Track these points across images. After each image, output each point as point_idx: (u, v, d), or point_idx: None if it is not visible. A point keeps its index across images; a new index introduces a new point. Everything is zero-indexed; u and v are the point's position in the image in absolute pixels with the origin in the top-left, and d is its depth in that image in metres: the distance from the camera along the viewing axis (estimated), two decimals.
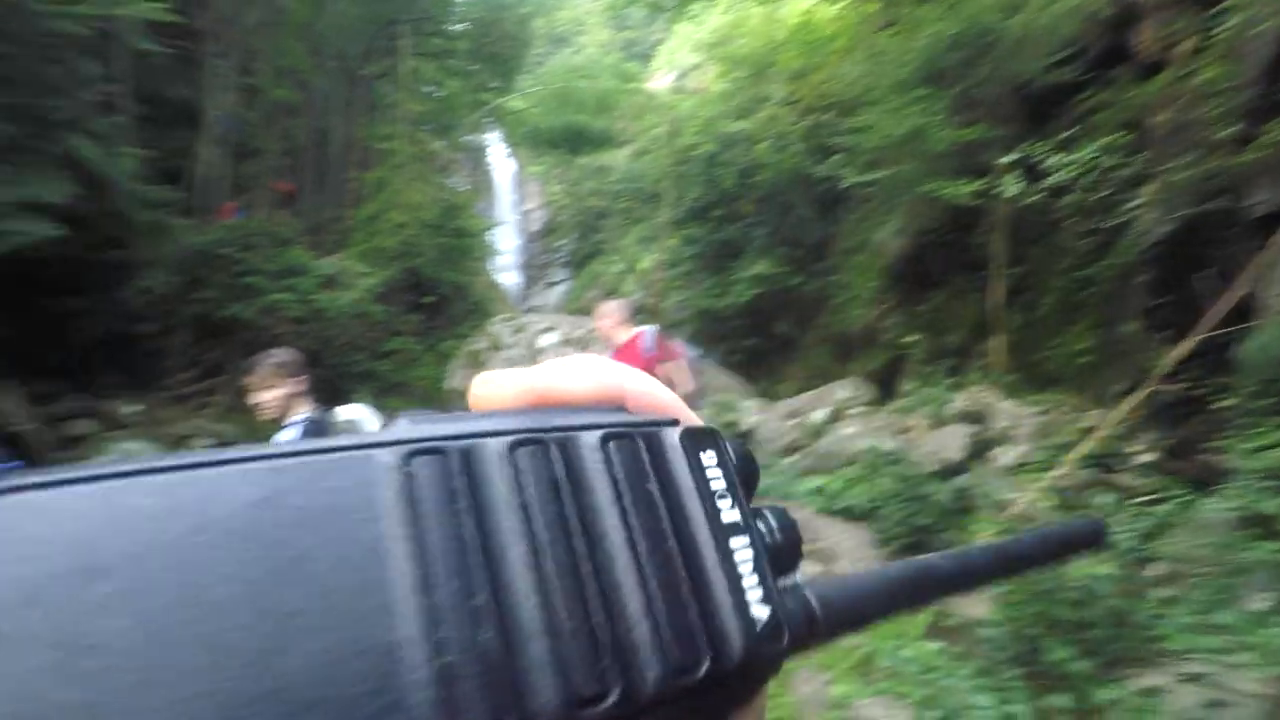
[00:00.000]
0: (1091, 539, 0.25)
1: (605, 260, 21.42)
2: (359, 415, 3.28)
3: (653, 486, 0.17)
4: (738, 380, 9.80)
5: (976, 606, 4.15)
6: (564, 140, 25.56)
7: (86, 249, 8.82)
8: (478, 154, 27.57)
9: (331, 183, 13.97)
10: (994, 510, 5.13)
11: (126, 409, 9.37)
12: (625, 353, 4.22)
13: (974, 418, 6.95)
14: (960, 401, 7.16)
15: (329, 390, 11.73)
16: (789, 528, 0.19)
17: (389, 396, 12.95)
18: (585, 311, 16.03)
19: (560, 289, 24.08)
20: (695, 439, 0.19)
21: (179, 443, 8.97)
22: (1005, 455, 6.56)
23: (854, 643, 3.81)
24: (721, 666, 0.16)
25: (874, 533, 5.21)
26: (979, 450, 6.52)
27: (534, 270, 27.48)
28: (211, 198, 11.42)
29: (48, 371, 9.19)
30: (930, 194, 7.92)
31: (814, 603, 0.18)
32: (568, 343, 9.26)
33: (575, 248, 24.88)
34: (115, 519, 0.13)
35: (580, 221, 24.59)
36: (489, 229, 19.66)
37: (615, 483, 0.17)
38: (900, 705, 3.12)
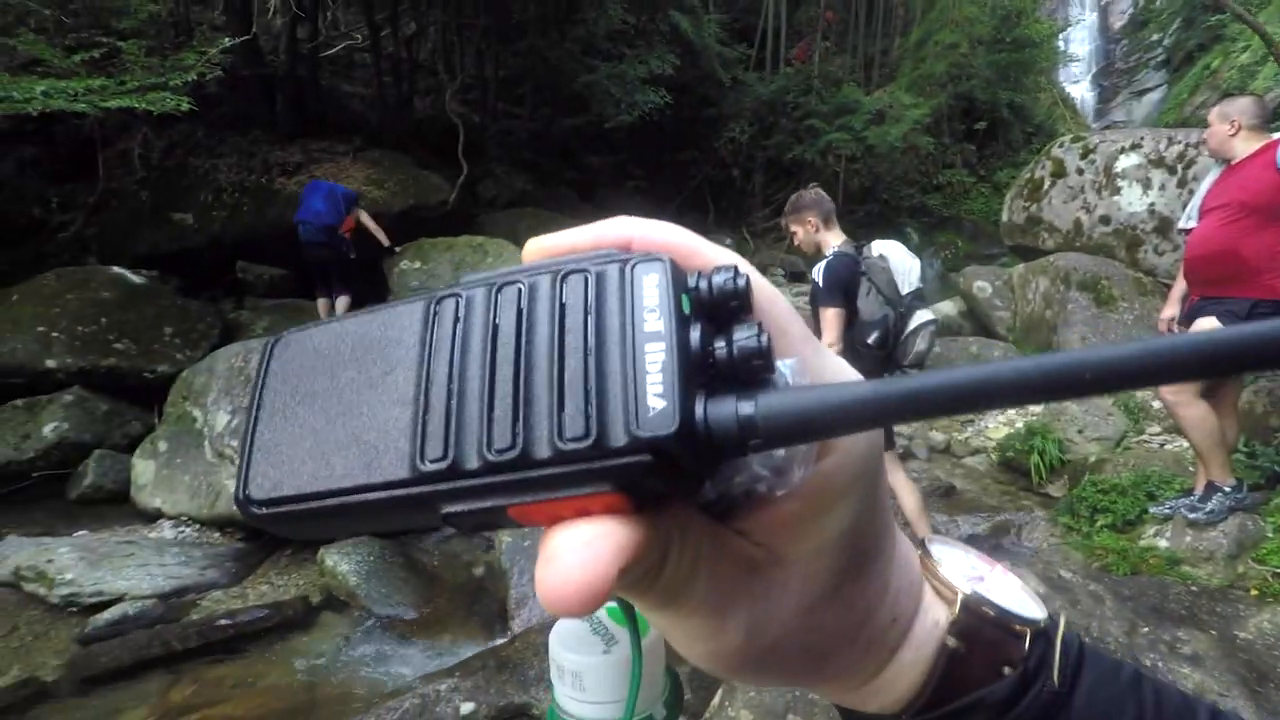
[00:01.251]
0: None
1: (1223, 50, 16.04)
2: (889, 250, 3.26)
3: (584, 308, 0.22)
4: None
5: None
6: None
7: (691, 109, 10.93)
8: None
9: (879, 12, 13.68)
10: None
11: (724, 241, 11.70)
12: (1245, 169, 3.28)
13: None
14: None
15: (882, 224, 12.33)
16: (749, 348, 0.22)
17: (939, 230, 12.86)
18: (1188, 123, 12.58)
19: (1153, 97, 19.16)
20: (638, 268, 0.23)
21: (762, 270, 10.83)
22: None
23: None
24: (605, 443, 0.20)
25: None
26: None
27: (1117, 77, 22.34)
28: (775, 48, 12.52)
29: (670, 212, 12.02)
30: None
31: (749, 407, 0.21)
32: (1156, 163, 7.56)
33: (1176, 40, 19.17)
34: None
35: (1186, 3, 18.63)
36: (1057, 33, 16.59)
37: (560, 307, 0.23)
38: None
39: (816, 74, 11.72)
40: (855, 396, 0.21)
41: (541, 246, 0.26)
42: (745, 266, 0.25)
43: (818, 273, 3.29)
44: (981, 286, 7.84)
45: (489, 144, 9.79)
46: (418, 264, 7.18)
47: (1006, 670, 0.32)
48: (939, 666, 0.32)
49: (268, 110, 8.33)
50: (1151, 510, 3.81)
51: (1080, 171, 8.12)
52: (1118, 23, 23.89)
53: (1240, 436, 3.79)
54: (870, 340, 3.21)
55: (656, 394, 0.20)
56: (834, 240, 3.33)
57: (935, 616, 0.33)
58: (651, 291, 0.22)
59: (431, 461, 0.21)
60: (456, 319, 0.24)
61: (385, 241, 7.14)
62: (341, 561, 3.87)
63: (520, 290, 0.23)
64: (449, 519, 0.22)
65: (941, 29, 12.64)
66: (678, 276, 0.23)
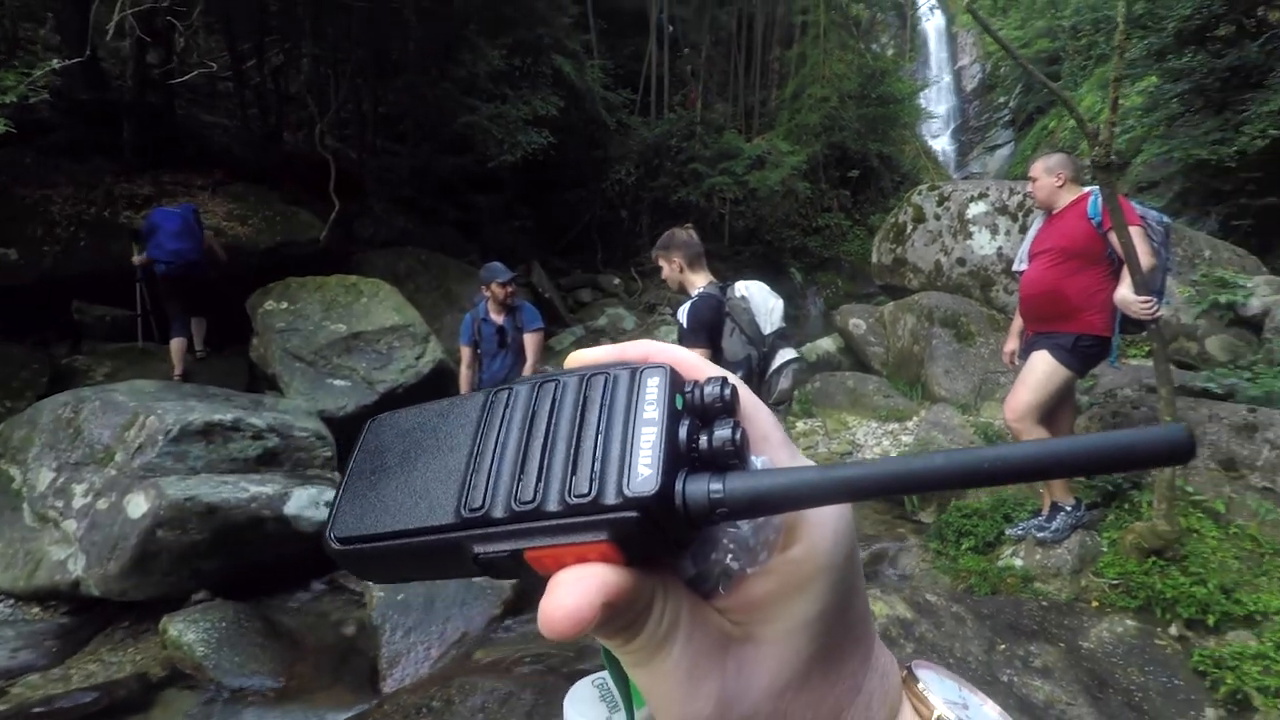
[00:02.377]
0: (1170, 451, 0.22)
1: (1058, 114, 17.99)
2: (751, 290, 3.30)
3: (600, 401, 0.28)
4: (1241, 252, 7.58)
5: None
6: None
7: (576, 151, 11.00)
8: (903, 10, 25.13)
9: (757, 65, 14.43)
10: None
11: (613, 281, 11.72)
12: (1064, 218, 3.59)
13: None
14: None
15: (767, 264, 12.83)
16: (724, 440, 0.27)
17: (821, 271, 13.49)
18: (1028, 177, 13.92)
19: (1003, 152, 21.13)
20: (645, 373, 0.29)
21: (649, 310, 11.00)
22: None
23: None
24: (601, 499, 0.25)
25: None
26: None
27: (971, 134, 24.54)
28: (659, 94, 12.89)
29: (560, 252, 11.96)
30: None
31: (719, 486, 0.26)
32: (1000, 211, 8.27)
33: (1019, 104, 21.34)
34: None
35: (1025, 72, 20.79)
36: (917, 92, 18.07)
37: (584, 399, 0.29)
38: None
39: (699, 120, 12.14)
40: (803, 479, 0.25)
41: (580, 358, 0.32)
42: (734, 379, 0.30)
43: (682, 314, 3.29)
44: (857, 324, 8.20)
45: (367, 180, 9.43)
46: (284, 304, 6.71)
47: None
48: None
49: (112, 138, 7.65)
50: (1008, 532, 4.00)
51: (937, 217, 8.73)
52: (969, 85, 26.37)
53: None
54: None
55: (645, 464, 0.26)
56: (699, 281, 3.36)
57: None
58: (653, 390, 0.28)
59: (470, 510, 0.27)
60: (506, 406, 0.30)
61: (224, 259, 6.83)
62: (187, 630, 3.46)
63: (556, 385, 0.30)
64: (480, 560, 0.27)
65: (814, 83, 13.47)
66: (676, 380, 0.29)
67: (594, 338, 10.35)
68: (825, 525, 0.30)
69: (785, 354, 3.28)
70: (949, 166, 21.69)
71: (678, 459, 0.26)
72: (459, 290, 8.65)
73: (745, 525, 0.28)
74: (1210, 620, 3.19)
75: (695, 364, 0.32)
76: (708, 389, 0.29)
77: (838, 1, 15.07)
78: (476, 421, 0.30)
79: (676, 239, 3.39)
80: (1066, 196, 3.66)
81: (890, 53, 20.68)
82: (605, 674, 0.43)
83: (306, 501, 4.24)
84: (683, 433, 0.27)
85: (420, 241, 9.31)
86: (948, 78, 26.56)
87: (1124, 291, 3.34)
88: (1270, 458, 3.98)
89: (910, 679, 0.36)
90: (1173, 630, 3.26)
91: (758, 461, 0.28)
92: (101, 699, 3.14)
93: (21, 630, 3.66)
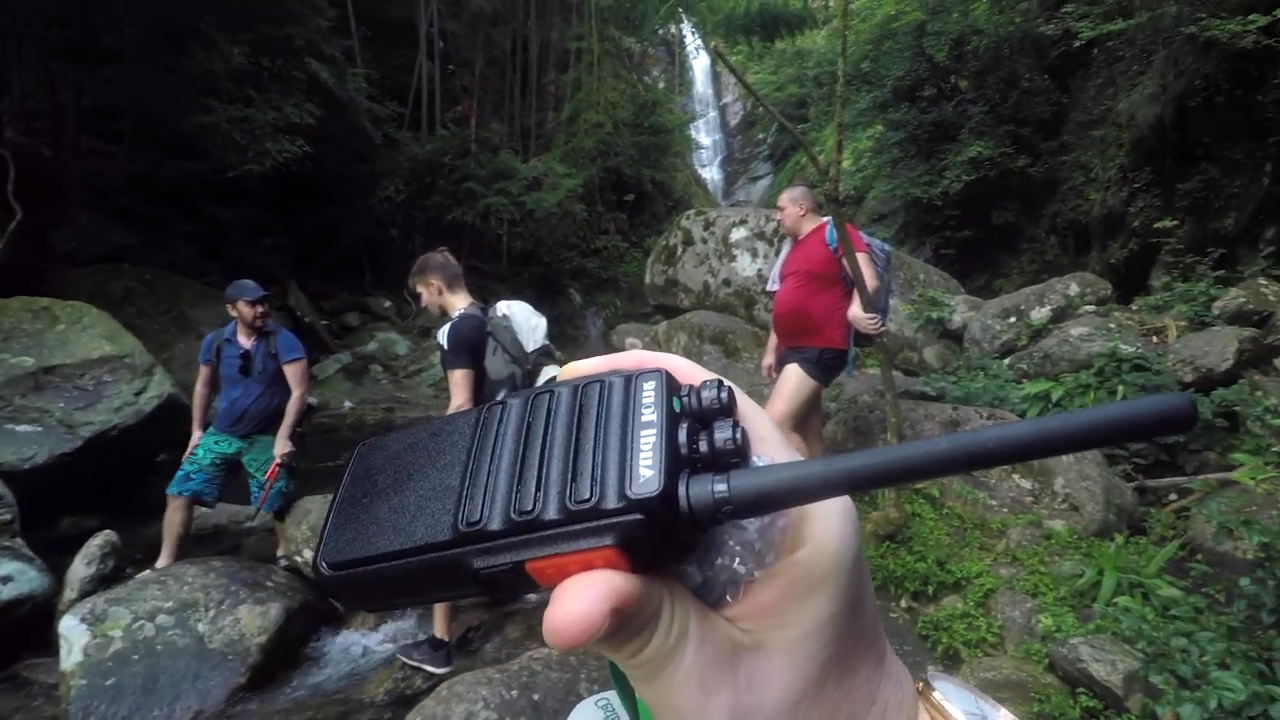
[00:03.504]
0: (1171, 421, 0.22)
1: (806, 152, 20.30)
2: (513, 310, 3.27)
3: (597, 407, 0.28)
4: (947, 276, 9.02)
5: (1238, 552, 3.59)
6: (759, 26, 24.11)
7: (338, 164, 10.15)
8: (673, 48, 26.87)
9: (533, 88, 14.48)
10: (1271, 434, 4.29)
11: (383, 304, 10.92)
12: (807, 244, 3.96)
13: (1251, 318, 5.84)
14: (1233, 298, 6.03)
15: (546, 285, 12.79)
16: (725, 440, 0.27)
17: (599, 291, 13.73)
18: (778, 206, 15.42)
19: (763, 183, 23.32)
20: (640, 379, 0.29)
21: (424, 334, 10.36)
22: None
23: (1074, 569, 3.51)
24: (603, 504, 0.25)
25: (1108, 449, 4.67)
26: (1256, 358, 5.49)
27: (736, 165, 26.78)
28: (430, 109, 12.40)
29: (322, 273, 10.92)
30: (1201, 34, 6.39)
31: (723, 485, 0.25)
32: (759, 236, 9.05)
33: (775, 140, 23.76)
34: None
35: (780, 112, 23.26)
36: (686, 124, 19.31)
37: (580, 406, 0.28)
38: (1120, 653, 2.76)
39: (474, 138, 11.84)
40: (809, 471, 0.25)
41: (574, 370, 0.32)
42: (728, 382, 0.29)
43: (442, 335, 3.20)
44: (633, 343, 8.43)
45: (68, 185, 7.88)
46: None
47: None
48: None
49: None
50: None
51: (705, 240, 9.30)
52: (733, 121, 28.88)
53: None
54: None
55: (646, 466, 0.25)
56: (459, 303, 3.28)
57: None
58: (649, 394, 0.28)
59: (468, 524, 0.26)
60: (500, 420, 0.29)
61: None
62: None
63: (551, 396, 0.29)
64: (480, 575, 0.26)
65: (589, 109, 13.82)
66: (672, 384, 0.29)
67: (363, 364, 9.56)
68: (831, 526, 0.29)
69: (549, 371, 3.27)
70: (717, 194, 23.49)
71: (679, 460, 0.26)
72: (196, 315, 7.51)
73: (751, 527, 0.28)
74: (930, 590, 3.63)
75: (690, 369, 0.31)
76: (705, 392, 0.28)
77: (610, 32, 15.65)
78: (470, 437, 0.29)
79: (431, 262, 3.32)
80: (808, 224, 4.03)
81: (661, 85, 21.95)
82: (610, 694, 0.43)
83: None
84: (682, 435, 0.27)
85: (144, 259, 7.96)
86: (714, 113, 28.86)
87: (855, 310, 3.73)
88: None
89: (927, 689, 0.36)
90: (903, 603, 3.66)
91: (759, 461, 0.28)
92: None
93: None
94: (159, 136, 8.37)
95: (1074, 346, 6.01)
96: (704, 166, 26.14)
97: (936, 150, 11.27)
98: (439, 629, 3.38)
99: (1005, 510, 4.23)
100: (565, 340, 11.53)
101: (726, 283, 8.96)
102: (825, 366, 3.91)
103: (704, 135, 26.91)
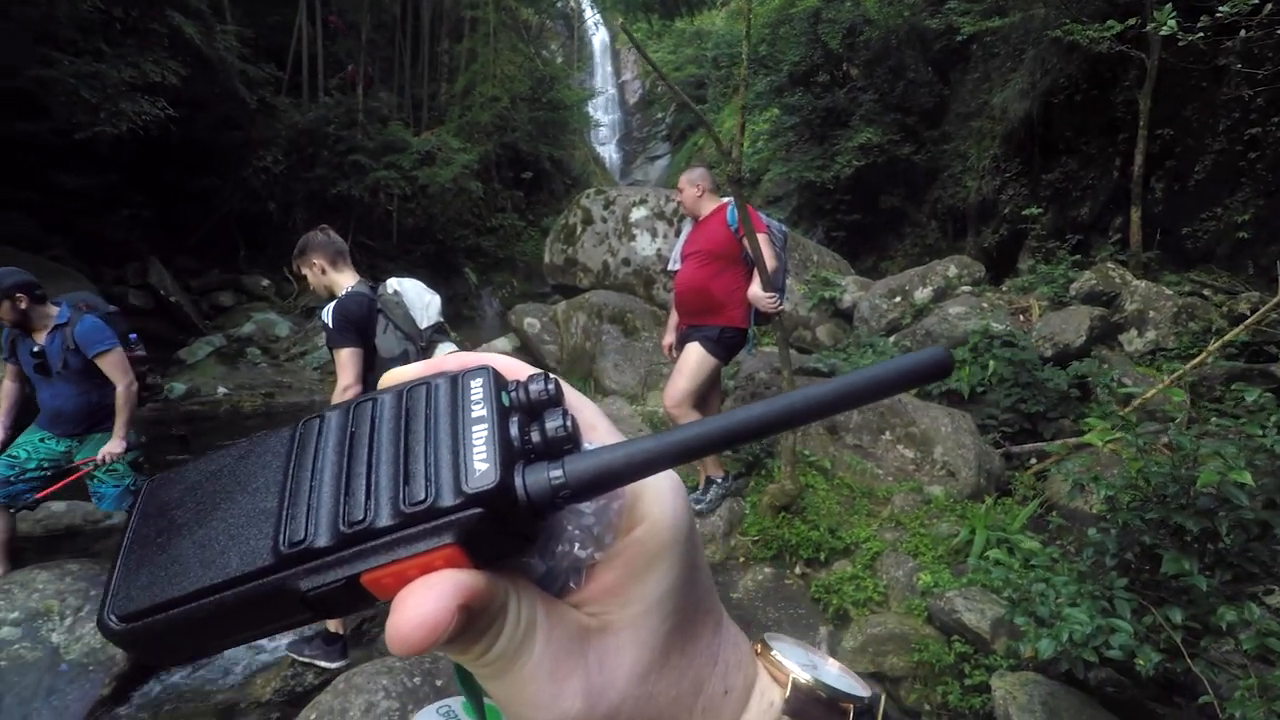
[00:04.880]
0: (934, 369, 0.26)
1: (704, 132, 20.55)
2: (404, 286, 3.15)
3: (424, 409, 0.27)
4: (838, 257, 9.41)
5: (1086, 507, 3.97)
6: (659, 3, 24.12)
7: (208, 131, 9.32)
8: (572, 22, 26.42)
9: (425, 57, 13.84)
10: (1116, 400, 4.75)
11: (261, 283, 10.16)
12: (709, 225, 4.00)
13: (1101, 298, 6.42)
14: (1086, 280, 6.61)
15: (439, 264, 12.31)
16: (556, 428, 0.27)
17: (496, 271, 13.38)
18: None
19: (661, 162, 23.40)
20: (467, 377, 0.28)
21: (307, 315, 9.74)
22: (1136, 341, 6.08)
23: (950, 530, 3.77)
24: (439, 502, 0.24)
25: (980, 418, 5.02)
26: (1104, 335, 6.06)
27: (634, 144, 26.73)
28: (312, 74, 11.60)
29: (190, 249, 10.03)
30: (1066, 37, 6.94)
31: (558, 470, 0.25)
32: (659, 216, 9.08)
33: (674, 120, 23.89)
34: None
35: (674, 93, 23.36)
36: (585, 100, 19.06)
37: (406, 410, 0.27)
38: (988, 602, 3.07)
39: (361, 108, 11.18)
40: (641, 447, 0.26)
41: (395, 376, 0.31)
42: (554, 376, 0.30)
43: (327, 314, 3.05)
44: (531, 323, 8.29)
45: None
46: None
47: None
48: None
49: None
50: None
51: (604, 220, 9.24)
52: (632, 99, 28.80)
53: None
54: None
55: (480, 459, 0.25)
56: (345, 281, 3.13)
57: (770, 698, 0.35)
58: (477, 390, 0.27)
59: (291, 545, 0.24)
60: (319, 433, 0.28)
61: None
62: None
63: (373, 404, 0.28)
64: (309, 598, 0.24)
65: (484, 81, 13.35)
66: (499, 380, 0.29)
67: (239, 346, 8.90)
68: (664, 502, 0.30)
69: (445, 347, 3.18)
70: (615, 173, 23.40)
71: (513, 452, 0.26)
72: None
73: (588, 511, 0.28)
74: (822, 557, 3.80)
75: (515, 366, 0.31)
76: (532, 385, 0.29)
77: (507, 2, 15.15)
78: (286, 455, 0.27)
79: (313, 241, 3.16)
80: (708, 205, 4.05)
81: (560, 60, 21.55)
82: (451, 701, 0.45)
83: None
84: (514, 429, 0.27)
85: None
86: (613, 90, 28.66)
87: (755, 289, 3.79)
88: (859, 421, 4.89)
89: (765, 649, 0.38)
90: (798, 570, 3.82)
91: (590, 448, 0.28)
92: None
93: None
94: None
95: (952, 324, 6.42)
96: (602, 145, 25.97)
97: (829, 135, 11.69)
98: (332, 622, 3.22)
99: (890, 479, 4.48)
100: (460, 321, 11.17)
101: (626, 262, 8.96)
102: (726, 345, 3.97)
103: (602, 114, 26.71)
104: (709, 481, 4.21)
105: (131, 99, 7.40)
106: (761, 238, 3.72)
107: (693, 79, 20.39)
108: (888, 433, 4.77)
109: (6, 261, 7.07)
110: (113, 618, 0.25)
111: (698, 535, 0.33)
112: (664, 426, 5.86)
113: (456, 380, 0.28)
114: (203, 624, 0.25)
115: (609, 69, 29.40)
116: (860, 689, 0.38)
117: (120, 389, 3.49)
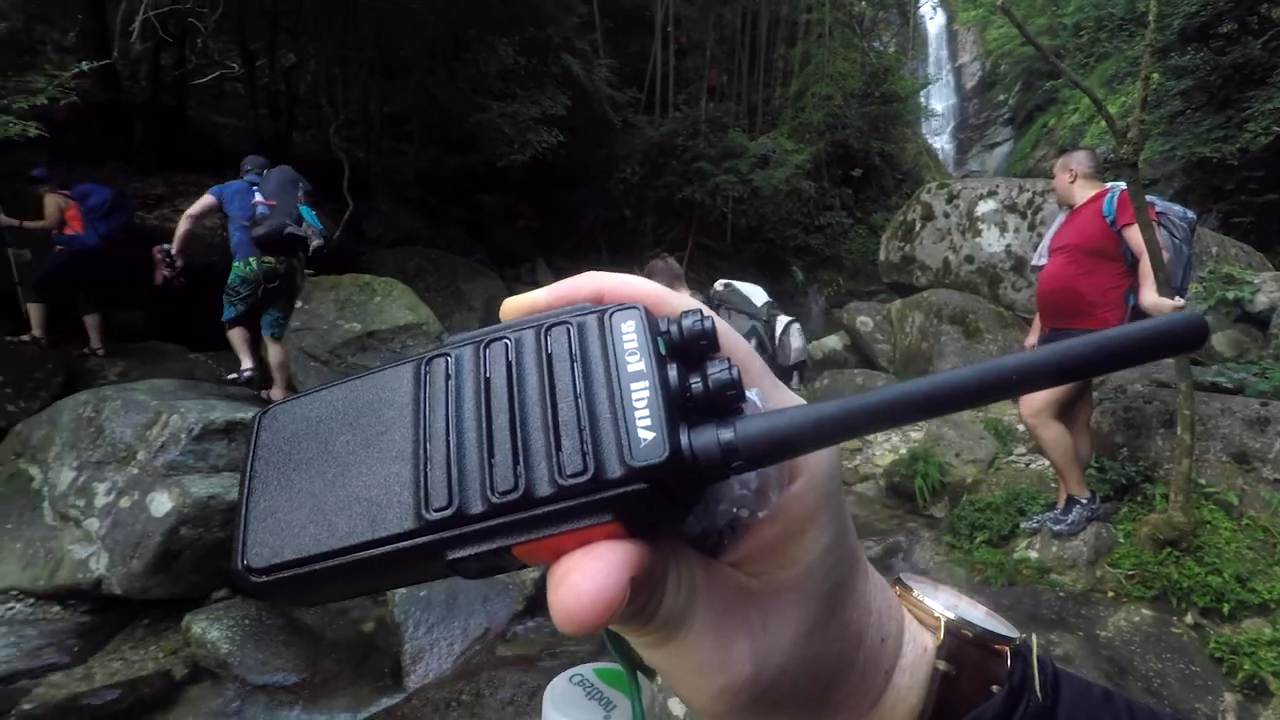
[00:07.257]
0: (1188, 335, 0.22)
1: (1057, 111, 18.04)
2: (730, 283, 3.57)
3: (569, 356, 0.24)
4: (1247, 248, 7.64)
5: None
6: None
7: (581, 151, 11.03)
8: (906, 9, 25.14)
9: (761, 64, 14.46)
10: None
11: None
12: (1081, 215, 3.60)
13: None
14: None
15: (769, 262, 12.87)
16: (723, 382, 0.24)
17: (822, 269, 13.54)
18: (1031, 174, 13.92)
19: (1002, 150, 21.21)
20: (615, 316, 0.25)
21: None
22: None
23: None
24: (602, 475, 0.22)
25: None
26: None
27: (970, 131, 24.60)
28: (664, 93, 12.91)
29: (565, 251, 12.00)
30: None
31: (729, 433, 0.23)
32: (1010, 209, 8.31)
33: (1019, 101, 21.41)
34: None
35: (1025, 69, 20.87)
36: (918, 90, 18.08)
37: (547, 357, 0.25)
38: None
39: (704, 119, 12.16)
40: (823, 414, 0.23)
41: (519, 305, 0.28)
42: (708, 311, 0.26)
43: None
44: (864, 321, 8.25)
45: (374, 181, 9.46)
46: (298, 303, 6.74)
47: (994, 689, 0.33)
48: (934, 690, 0.33)
49: (125, 139, 7.69)
50: (1022, 525, 4.05)
51: (946, 215, 8.77)
52: (969, 83, 26.42)
53: (1092, 453, 4.10)
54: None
55: (645, 427, 0.22)
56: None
57: (923, 643, 0.34)
58: (630, 336, 0.24)
59: (436, 510, 0.22)
60: (448, 376, 0.25)
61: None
62: (211, 628, 3.48)
63: (507, 344, 0.25)
64: (455, 565, 0.23)
65: (818, 82, 13.51)
66: (652, 322, 0.25)
67: None
68: (820, 454, 0.28)
69: (784, 319, 3.49)
70: (948, 164, 21.76)
71: (675, 412, 0.23)
72: (468, 289, 8.70)
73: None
74: (1225, 609, 3.24)
75: (660, 296, 0.28)
76: (687, 323, 0.25)
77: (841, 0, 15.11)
78: (414, 398, 0.25)
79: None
80: (1081, 193, 3.66)
81: (892, 50, 20.72)
82: (584, 669, 0.40)
83: None
84: (673, 378, 0.24)
85: (428, 241, 9.35)
86: (948, 75, 26.61)
87: (1151, 296, 3.27)
88: None
89: (905, 590, 0.36)
90: (1188, 619, 3.31)
91: (753, 395, 0.26)
92: (126, 697, 3.14)
93: (43, 629, 3.66)
94: (441, 136, 9.73)
95: None
96: (935, 135, 24.29)
97: (1234, 99, 9.49)
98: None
99: None
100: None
101: (969, 259, 8.40)
102: None
103: (936, 101, 24.96)
104: (1072, 501, 3.85)
105: (535, 131, 9.11)
106: (1161, 235, 3.27)
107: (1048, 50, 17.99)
108: None
109: (452, 264, 9.27)
110: (247, 569, 0.24)
111: (841, 484, 0.31)
112: (1011, 436, 5.46)
113: (604, 322, 0.25)
114: (337, 580, 0.24)
115: (944, 53, 27.34)
116: (1010, 630, 0.36)
117: None
